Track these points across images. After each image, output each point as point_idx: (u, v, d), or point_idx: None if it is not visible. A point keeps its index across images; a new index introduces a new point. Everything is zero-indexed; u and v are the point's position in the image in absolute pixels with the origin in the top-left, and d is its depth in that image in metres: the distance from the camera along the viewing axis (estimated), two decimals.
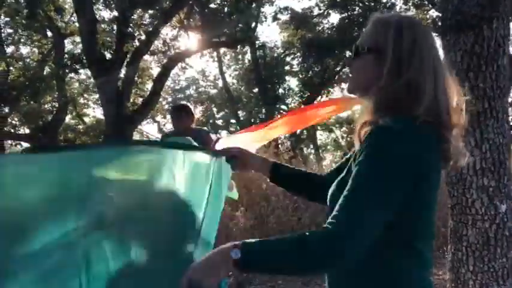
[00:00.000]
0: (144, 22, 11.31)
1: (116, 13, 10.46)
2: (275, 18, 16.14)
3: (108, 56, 10.15)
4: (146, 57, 11.83)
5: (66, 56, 11.54)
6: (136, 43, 10.52)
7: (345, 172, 1.04)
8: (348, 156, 1.21)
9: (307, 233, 0.89)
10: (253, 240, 0.91)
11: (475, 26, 2.23)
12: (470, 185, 2.38)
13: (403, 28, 0.99)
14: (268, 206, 5.46)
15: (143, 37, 10.48)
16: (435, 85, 0.96)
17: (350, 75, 1.12)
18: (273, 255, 0.88)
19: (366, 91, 1.03)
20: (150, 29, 10.53)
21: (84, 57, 10.10)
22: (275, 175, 1.33)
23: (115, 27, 10.66)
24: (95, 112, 17.10)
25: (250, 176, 5.78)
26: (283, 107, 18.47)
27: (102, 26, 10.81)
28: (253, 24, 14.06)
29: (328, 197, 1.05)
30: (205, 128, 11.65)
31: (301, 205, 5.57)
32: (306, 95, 16.69)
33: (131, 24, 10.40)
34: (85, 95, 15.58)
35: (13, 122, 13.14)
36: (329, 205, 1.03)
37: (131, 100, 11.29)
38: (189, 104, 4.00)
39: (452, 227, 2.51)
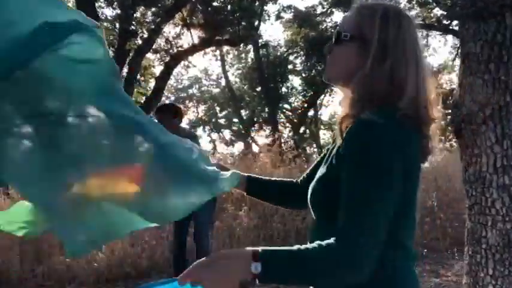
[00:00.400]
0: (147, 20, 11.24)
1: (118, 11, 10.41)
2: (278, 17, 16.08)
3: (110, 54, 10.07)
4: (149, 55, 11.76)
5: None
6: (139, 41, 10.46)
7: (326, 168, 0.99)
8: (324, 152, 1.15)
9: (323, 247, 0.84)
10: (271, 250, 0.84)
11: (497, 14, 2.09)
12: (490, 184, 2.25)
13: (390, 17, 0.96)
14: (272, 205, 5.35)
15: (146, 35, 10.43)
16: (417, 77, 0.94)
17: (328, 62, 1.05)
18: (294, 271, 0.84)
19: (347, 81, 0.99)
20: (153, 26, 10.47)
21: None
22: (251, 186, 1.28)
23: (117, 25, 10.60)
24: None
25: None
26: (286, 106, 18.40)
27: (105, 24, 10.74)
28: (256, 23, 13.96)
29: (309, 191, 1.01)
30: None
31: None
32: (309, 94, 16.60)
33: (133, 22, 10.35)
34: None
35: None
36: (311, 201, 1.01)
37: (133, 98, 11.19)
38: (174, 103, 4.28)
39: (469, 228, 2.38)
